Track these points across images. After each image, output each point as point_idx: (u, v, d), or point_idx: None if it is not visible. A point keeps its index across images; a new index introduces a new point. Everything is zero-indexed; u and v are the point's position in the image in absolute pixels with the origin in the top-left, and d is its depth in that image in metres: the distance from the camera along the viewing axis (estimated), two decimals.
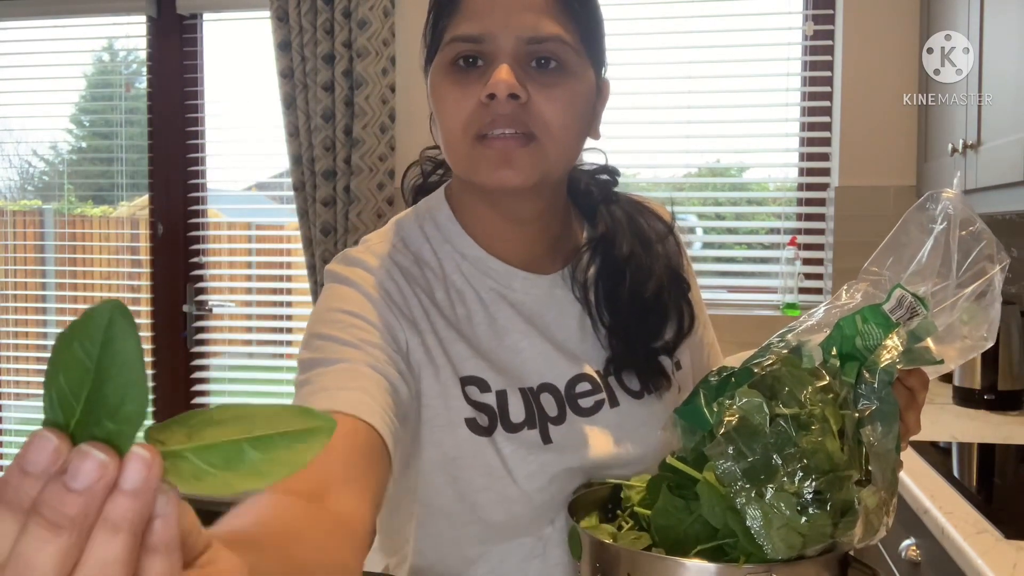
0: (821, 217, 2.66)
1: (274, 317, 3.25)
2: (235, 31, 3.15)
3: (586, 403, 0.86)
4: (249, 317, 3.25)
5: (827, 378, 0.68)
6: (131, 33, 3.17)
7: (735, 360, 0.73)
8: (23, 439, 2.70)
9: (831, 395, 0.67)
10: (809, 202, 2.69)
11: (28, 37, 3.29)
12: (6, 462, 3.32)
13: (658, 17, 2.77)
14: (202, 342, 3.14)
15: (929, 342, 0.72)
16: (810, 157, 2.68)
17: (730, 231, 2.84)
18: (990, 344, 0.72)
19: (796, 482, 0.62)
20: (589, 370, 0.87)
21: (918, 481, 1.42)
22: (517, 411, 0.83)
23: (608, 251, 0.90)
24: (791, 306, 2.59)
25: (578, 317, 0.90)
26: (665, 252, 0.93)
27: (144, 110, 3.14)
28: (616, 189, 0.96)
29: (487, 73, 0.75)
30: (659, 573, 0.64)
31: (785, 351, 0.72)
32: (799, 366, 0.70)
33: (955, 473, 1.55)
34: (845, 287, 0.79)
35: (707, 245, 2.85)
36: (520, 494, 0.81)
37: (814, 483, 0.62)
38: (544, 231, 0.89)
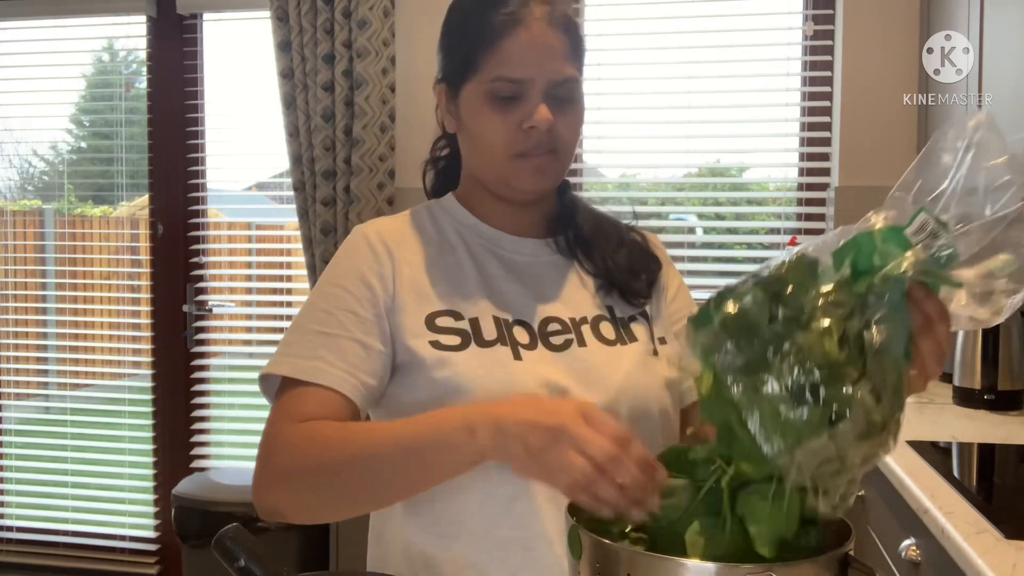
0: (821, 217, 2.66)
1: (274, 317, 3.25)
2: (235, 31, 3.15)
3: (556, 340, 1.00)
4: (249, 317, 3.25)
5: (832, 286, 0.67)
6: (131, 33, 3.17)
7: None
8: (23, 439, 2.70)
9: (836, 304, 0.66)
10: (809, 202, 2.69)
11: (28, 37, 3.29)
12: (6, 462, 3.33)
13: (658, 17, 2.77)
14: (202, 342, 3.14)
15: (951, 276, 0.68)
16: (810, 157, 2.68)
17: (730, 231, 2.84)
18: (1014, 309, 0.68)
19: (790, 374, 0.63)
20: (563, 315, 1.02)
21: (918, 481, 1.42)
22: (489, 331, 0.97)
23: (576, 217, 1.10)
24: None
25: (564, 274, 1.06)
26: (626, 234, 1.14)
27: (144, 110, 3.14)
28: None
29: (522, 106, 0.96)
30: (659, 573, 0.64)
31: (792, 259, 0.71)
32: (807, 273, 0.68)
33: (955, 473, 1.54)
34: (872, 212, 0.76)
35: (707, 245, 2.85)
36: (483, 399, 0.90)
37: (807, 377, 0.62)
38: (536, 208, 1.08)
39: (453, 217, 1.08)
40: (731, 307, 0.66)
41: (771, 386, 0.63)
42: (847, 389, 0.63)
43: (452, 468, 0.84)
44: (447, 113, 1.05)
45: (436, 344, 0.96)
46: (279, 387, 0.96)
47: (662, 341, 1.06)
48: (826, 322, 0.65)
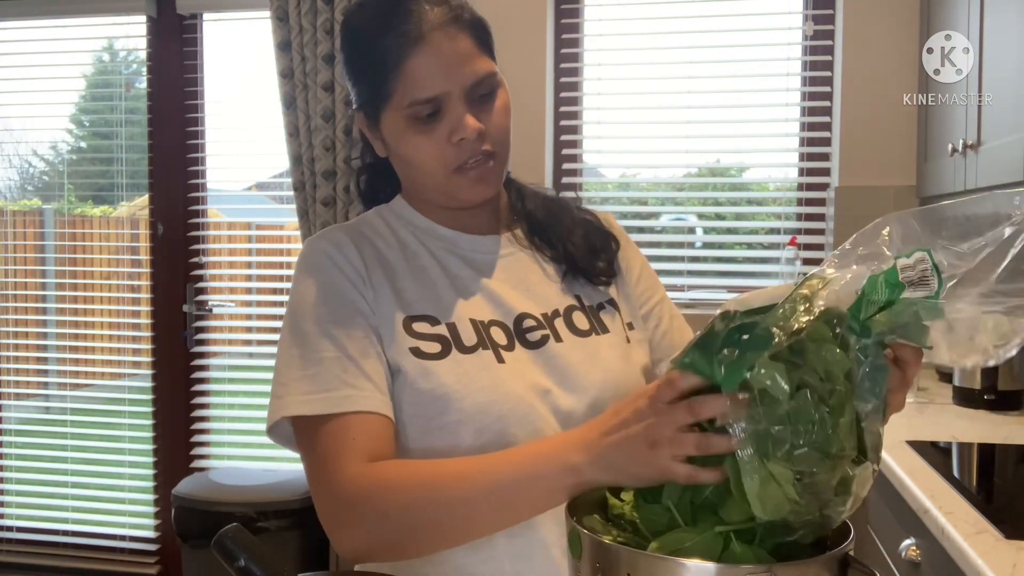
0: (821, 217, 2.66)
1: (274, 317, 3.25)
2: (235, 31, 3.15)
3: (532, 336, 0.98)
4: (249, 317, 3.25)
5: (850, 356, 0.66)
6: (131, 33, 3.17)
7: (736, 304, 0.70)
8: (23, 439, 2.71)
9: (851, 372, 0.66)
10: (809, 202, 2.69)
11: (28, 37, 3.29)
12: (6, 462, 3.33)
13: (658, 17, 2.77)
14: (202, 342, 3.14)
15: (932, 325, 0.66)
16: (810, 157, 2.68)
17: (730, 231, 2.84)
18: (994, 363, 0.66)
19: (800, 462, 0.63)
20: (535, 311, 1.00)
21: (918, 481, 1.42)
22: (468, 336, 0.95)
23: (527, 205, 1.09)
24: None
25: (527, 267, 1.04)
26: (578, 214, 1.12)
27: (144, 110, 3.14)
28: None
29: (446, 119, 0.93)
30: (659, 573, 0.64)
31: (815, 313, 0.66)
32: (828, 338, 0.66)
33: (955, 473, 1.55)
34: (896, 253, 0.70)
35: (707, 245, 2.85)
36: (473, 409, 0.90)
37: (818, 469, 0.63)
38: (486, 208, 1.05)
39: (406, 220, 1.04)
40: (750, 373, 0.64)
41: (779, 464, 0.62)
42: (848, 473, 0.64)
43: (549, 505, 0.81)
44: (373, 139, 1.01)
45: (417, 352, 0.93)
46: (305, 426, 0.91)
47: (630, 327, 1.05)
48: (849, 412, 0.64)
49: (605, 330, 1.02)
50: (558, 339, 0.99)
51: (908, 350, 0.69)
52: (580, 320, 1.02)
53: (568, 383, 0.96)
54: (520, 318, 0.99)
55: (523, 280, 1.02)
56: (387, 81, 0.93)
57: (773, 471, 0.63)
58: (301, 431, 0.92)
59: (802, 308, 0.66)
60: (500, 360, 0.94)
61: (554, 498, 0.80)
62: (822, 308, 0.66)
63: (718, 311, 0.71)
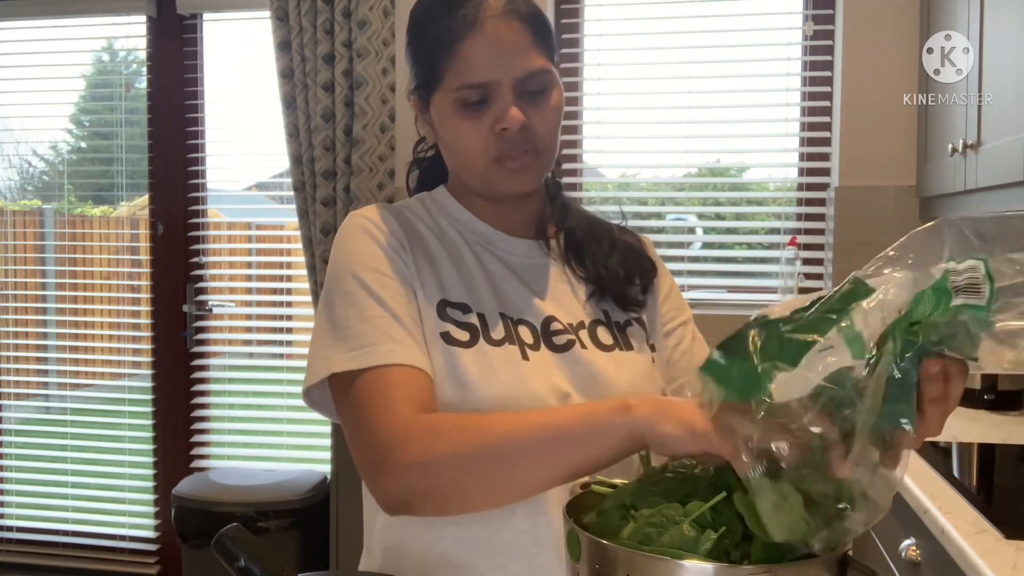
0: (821, 217, 2.66)
1: (274, 317, 3.25)
2: (235, 31, 3.15)
3: (559, 340, 0.98)
4: (249, 317, 3.25)
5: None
6: (131, 33, 3.17)
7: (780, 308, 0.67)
8: (23, 439, 2.71)
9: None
10: (809, 202, 2.69)
11: (28, 37, 3.29)
12: (6, 462, 3.33)
13: (658, 17, 2.77)
14: (202, 342, 3.14)
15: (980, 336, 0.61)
16: (810, 157, 2.68)
17: (730, 231, 2.84)
18: None
19: (804, 482, 0.62)
20: (561, 318, 1.00)
21: (918, 481, 1.42)
22: (497, 330, 0.96)
23: (569, 222, 1.08)
24: None
25: (557, 278, 1.04)
26: (619, 236, 1.11)
27: (144, 110, 3.14)
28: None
29: (492, 108, 0.93)
30: (658, 573, 0.64)
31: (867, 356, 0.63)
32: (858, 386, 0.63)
33: (955, 473, 1.54)
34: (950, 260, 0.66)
35: (707, 245, 2.85)
36: (493, 401, 0.90)
37: (822, 488, 0.63)
38: (526, 207, 1.06)
39: (447, 211, 1.06)
40: (794, 404, 0.62)
41: (793, 491, 0.62)
42: (864, 481, 0.64)
43: (602, 452, 0.78)
44: (424, 123, 1.03)
45: (447, 336, 0.94)
46: (349, 382, 0.90)
47: (652, 348, 1.05)
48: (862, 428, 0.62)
49: (629, 347, 1.02)
50: (583, 347, 0.99)
51: (954, 363, 0.64)
52: (604, 335, 1.01)
53: (589, 391, 0.95)
54: (548, 320, 0.99)
55: (553, 289, 1.03)
56: (441, 62, 0.94)
57: (783, 492, 0.62)
58: (343, 388, 0.91)
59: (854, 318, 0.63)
60: (525, 357, 0.95)
61: (606, 442, 0.78)
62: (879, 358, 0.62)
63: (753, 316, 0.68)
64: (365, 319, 0.92)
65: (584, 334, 1.00)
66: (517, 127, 0.93)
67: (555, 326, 0.99)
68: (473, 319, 0.96)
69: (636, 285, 1.06)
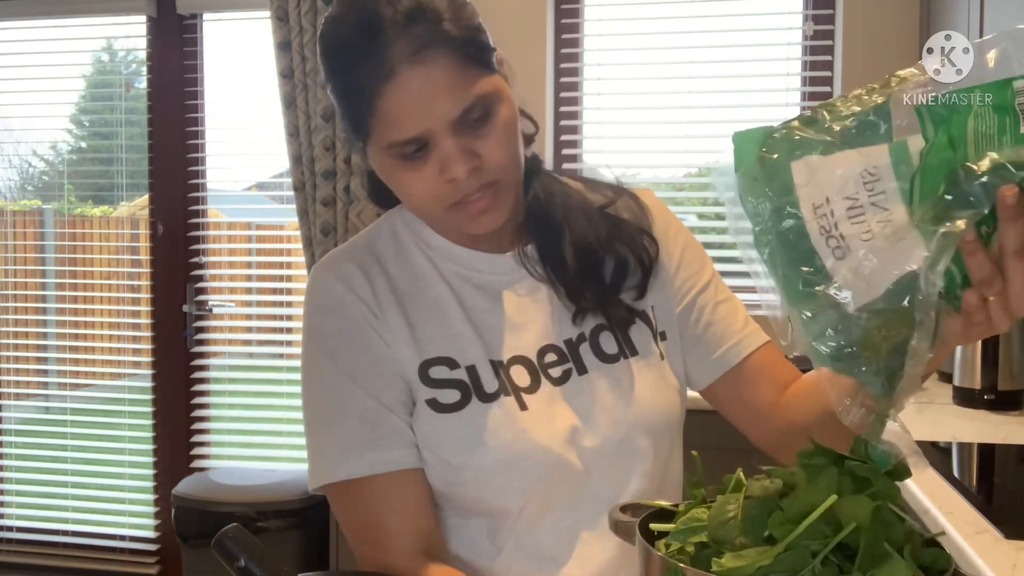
0: None
1: (274, 317, 3.25)
2: (235, 31, 3.15)
3: (555, 372, 0.91)
4: (249, 317, 3.25)
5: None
6: (131, 33, 3.17)
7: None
8: (23, 439, 2.71)
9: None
10: None
11: (28, 37, 3.29)
12: (6, 462, 3.33)
13: (658, 17, 2.77)
14: (202, 342, 3.14)
15: None
16: None
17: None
18: None
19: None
20: (558, 340, 0.93)
21: (918, 481, 1.42)
22: (489, 381, 0.88)
23: (542, 222, 0.95)
24: None
25: (543, 291, 0.95)
26: (615, 211, 0.99)
27: (144, 110, 3.14)
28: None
29: (434, 154, 0.82)
30: None
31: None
32: None
33: (955, 473, 1.54)
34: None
35: (707, 245, 2.85)
36: (495, 467, 0.85)
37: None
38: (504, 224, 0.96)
39: (420, 237, 0.95)
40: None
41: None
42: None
43: None
44: (367, 166, 0.92)
45: (434, 404, 0.87)
46: (342, 491, 0.88)
47: (663, 336, 0.97)
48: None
49: (635, 351, 0.94)
50: (583, 370, 0.92)
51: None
52: (608, 342, 0.94)
53: (596, 422, 0.90)
54: (542, 351, 0.92)
55: (544, 303, 0.94)
56: (364, 118, 0.82)
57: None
58: (337, 496, 0.89)
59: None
60: (523, 407, 0.88)
61: None
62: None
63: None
64: (351, 414, 0.88)
65: (585, 348, 0.93)
66: (465, 174, 0.81)
67: (549, 357, 0.91)
68: (461, 374, 0.88)
69: (627, 288, 0.96)
